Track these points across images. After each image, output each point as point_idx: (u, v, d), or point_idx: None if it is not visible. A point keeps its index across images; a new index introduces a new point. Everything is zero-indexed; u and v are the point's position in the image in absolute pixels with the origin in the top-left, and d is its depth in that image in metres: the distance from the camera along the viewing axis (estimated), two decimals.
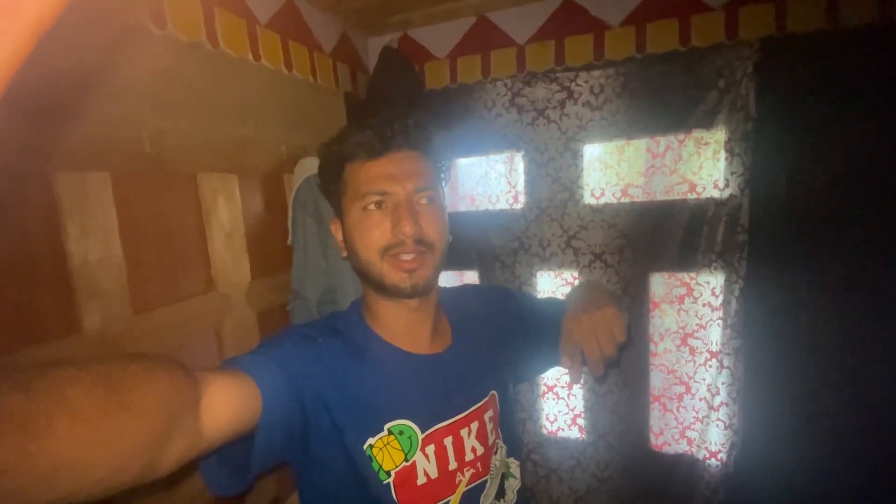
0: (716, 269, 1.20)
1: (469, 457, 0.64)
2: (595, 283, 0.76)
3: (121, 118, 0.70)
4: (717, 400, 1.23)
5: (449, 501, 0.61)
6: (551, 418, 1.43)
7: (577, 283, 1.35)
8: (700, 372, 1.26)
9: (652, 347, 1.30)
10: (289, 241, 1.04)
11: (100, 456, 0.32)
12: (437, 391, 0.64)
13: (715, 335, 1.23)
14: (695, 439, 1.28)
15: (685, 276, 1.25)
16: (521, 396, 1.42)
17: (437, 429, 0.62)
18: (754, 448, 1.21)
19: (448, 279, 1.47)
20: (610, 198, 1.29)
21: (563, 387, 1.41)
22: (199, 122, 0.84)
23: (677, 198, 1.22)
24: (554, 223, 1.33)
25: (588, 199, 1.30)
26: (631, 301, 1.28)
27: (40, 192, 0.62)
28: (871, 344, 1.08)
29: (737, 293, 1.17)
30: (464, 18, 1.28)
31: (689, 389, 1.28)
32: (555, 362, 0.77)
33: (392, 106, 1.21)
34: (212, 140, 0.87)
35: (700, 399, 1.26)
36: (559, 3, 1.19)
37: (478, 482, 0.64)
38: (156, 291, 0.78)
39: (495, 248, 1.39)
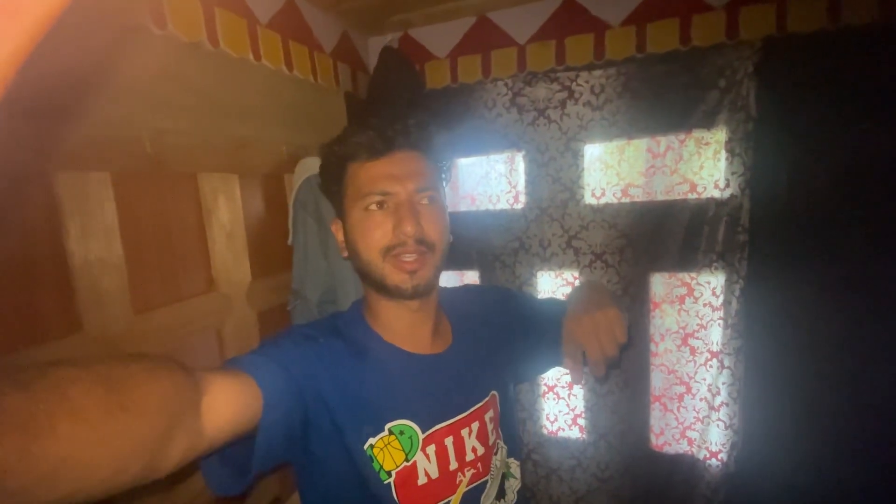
0: (716, 269, 1.20)
1: (470, 457, 0.64)
2: (596, 284, 0.76)
3: (121, 118, 0.70)
4: (718, 400, 1.23)
5: (450, 501, 0.61)
6: (552, 418, 1.43)
7: (577, 283, 1.35)
8: (701, 372, 1.26)
9: (652, 347, 1.30)
10: (289, 241, 1.04)
11: (101, 456, 0.32)
12: (438, 391, 0.64)
13: (715, 335, 1.23)
14: (695, 439, 1.28)
15: (686, 276, 1.25)
16: (521, 396, 1.42)
17: (438, 429, 0.62)
18: (755, 448, 1.21)
19: (448, 279, 1.47)
20: (610, 198, 1.29)
21: (563, 387, 1.41)
22: (200, 122, 0.84)
23: (678, 198, 1.21)
24: (554, 223, 1.33)
25: (589, 199, 1.30)
26: (631, 301, 1.28)
27: (41, 192, 0.62)
28: (871, 344, 1.08)
29: (737, 293, 1.17)
30: (464, 18, 1.28)
31: (689, 389, 1.28)
32: (555, 362, 0.77)
33: (392, 106, 1.21)
34: (212, 140, 0.87)
35: (701, 399, 1.26)
36: (560, 3, 1.19)
37: (478, 482, 0.64)
38: (156, 291, 0.78)
39: (496, 248, 1.39)
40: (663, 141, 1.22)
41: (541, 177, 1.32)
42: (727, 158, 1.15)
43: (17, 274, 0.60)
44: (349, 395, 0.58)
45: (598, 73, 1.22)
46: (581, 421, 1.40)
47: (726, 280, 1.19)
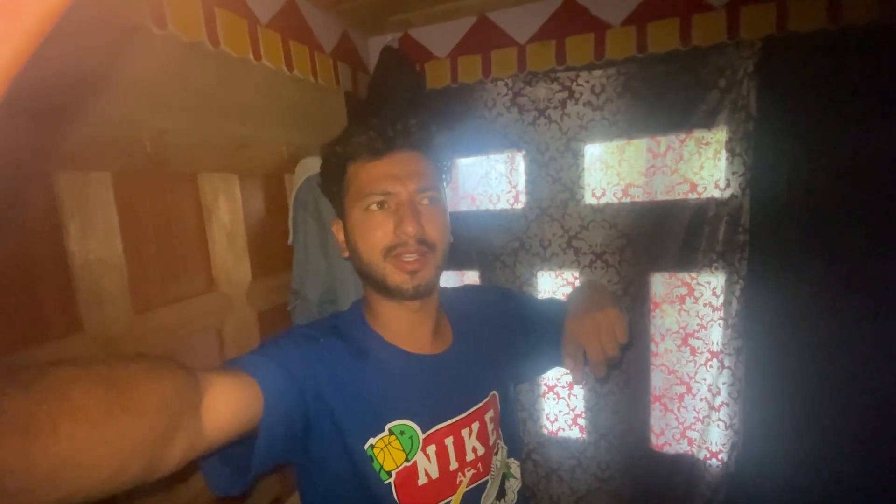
0: (717, 269, 1.20)
1: (470, 457, 0.64)
2: (596, 284, 0.76)
3: (122, 118, 0.70)
4: (718, 400, 1.23)
5: (450, 502, 0.61)
6: (552, 418, 1.43)
7: (577, 283, 1.35)
8: (701, 372, 1.26)
9: (653, 347, 1.30)
10: (289, 241, 1.04)
11: (101, 456, 0.32)
12: (438, 391, 0.64)
13: (716, 335, 1.23)
14: (696, 439, 1.28)
15: (686, 276, 1.25)
16: (521, 396, 1.42)
17: (438, 429, 0.62)
18: (755, 448, 1.21)
19: (449, 279, 1.47)
20: (611, 198, 1.28)
21: (563, 387, 1.41)
22: (200, 122, 0.84)
23: (678, 198, 1.21)
24: (555, 223, 1.33)
25: (589, 199, 1.30)
26: (632, 301, 1.28)
27: (41, 193, 0.62)
28: (871, 344, 1.08)
29: (738, 293, 1.17)
30: (464, 18, 1.28)
31: (689, 389, 1.28)
32: (555, 363, 0.77)
33: (393, 106, 1.21)
34: (213, 140, 0.87)
35: (701, 399, 1.26)
36: (560, 3, 1.19)
37: (479, 482, 0.64)
38: (157, 291, 0.78)
39: (496, 247, 1.39)
40: (664, 141, 1.21)
41: (541, 177, 1.32)
42: (727, 158, 1.15)
43: (17, 274, 0.60)
44: (349, 396, 0.58)
45: (598, 72, 1.22)
46: (581, 421, 1.39)
47: (726, 280, 1.19)
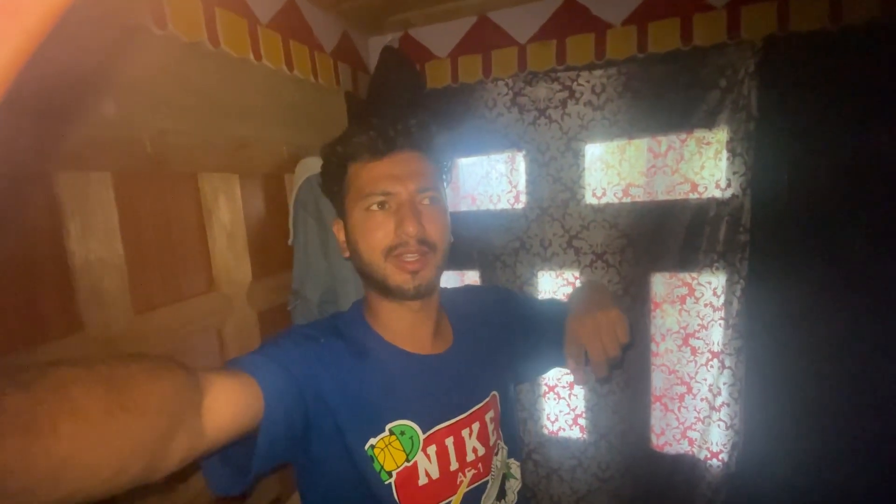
0: (717, 269, 1.19)
1: (470, 457, 0.64)
2: (597, 284, 0.76)
3: (122, 118, 0.70)
4: (719, 400, 1.23)
5: (450, 502, 0.61)
6: (552, 418, 1.43)
7: (578, 283, 1.35)
8: (701, 372, 1.26)
9: (653, 347, 1.30)
10: (290, 241, 1.04)
11: (102, 456, 0.32)
12: (439, 392, 0.64)
13: (716, 335, 1.23)
14: (696, 439, 1.28)
15: (687, 277, 1.25)
16: (522, 396, 1.42)
17: (439, 429, 0.62)
18: (756, 448, 1.21)
19: (449, 279, 1.47)
20: (611, 197, 1.28)
21: (564, 387, 1.41)
22: (200, 122, 0.84)
23: (679, 198, 1.21)
24: (555, 223, 1.33)
25: (589, 199, 1.30)
26: (632, 301, 1.28)
27: (41, 192, 0.62)
28: (872, 344, 1.08)
29: (738, 293, 1.17)
30: (465, 18, 1.28)
31: (690, 390, 1.28)
32: (556, 363, 0.77)
33: (393, 106, 1.21)
34: (213, 140, 0.87)
35: (701, 399, 1.26)
36: (560, 3, 1.19)
37: (479, 483, 0.64)
38: (157, 291, 0.78)
39: (496, 247, 1.39)
40: (664, 141, 1.21)
41: (541, 176, 1.32)
42: (728, 158, 1.15)
43: (17, 274, 0.60)
44: (350, 396, 0.58)
45: (598, 72, 1.22)
46: (582, 421, 1.39)
47: (727, 280, 1.19)
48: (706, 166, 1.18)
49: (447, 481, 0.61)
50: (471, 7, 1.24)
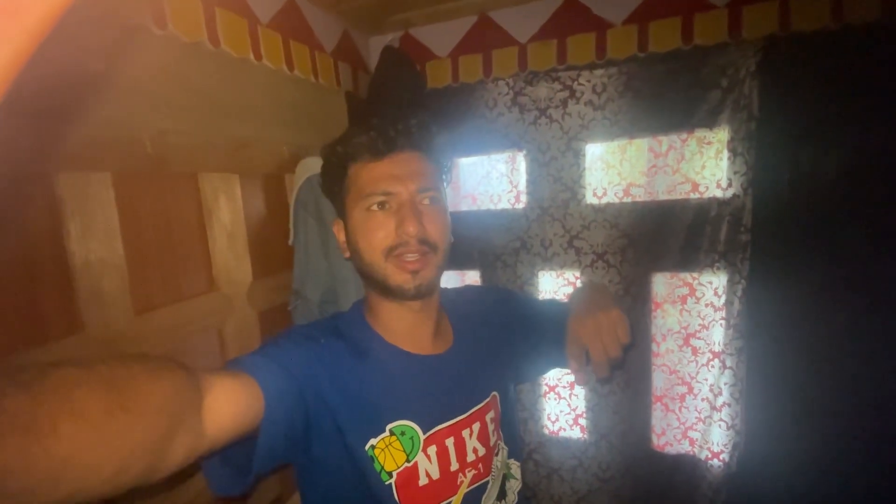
0: (718, 269, 1.19)
1: (471, 458, 0.64)
2: (598, 285, 0.76)
3: (122, 118, 0.70)
4: (720, 400, 1.23)
5: (451, 502, 0.61)
6: (553, 418, 1.43)
7: (579, 283, 1.35)
8: (702, 372, 1.26)
9: (654, 348, 1.30)
10: (290, 241, 1.04)
11: (102, 456, 0.32)
12: (439, 392, 0.64)
13: (717, 335, 1.23)
14: (697, 440, 1.27)
15: (688, 276, 1.24)
16: (522, 396, 1.42)
17: (439, 430, 0.62)
18: (757, 448, 1.20)
19: (450, 279, 1.47)
20: (612, 197, 1.28)
21: (564, 387, 1.41)
22: (201, 122, 0.84)
23: (680, 197, 1.21)
24: (556, 223, 1.33)
25: (590, 199, 1.30)
26: (633, 301, 1.28)
27: (42, 193, 0.62)
28: (873, 344, 1.08)
29: (739, 293, 1.17)
30: (465, 17, 1.28)
31: (691, 390, 1.28)
32: (556, 363, 0.77)
33: (394, 105, 1.21)
34: (213, 140, 0.87)
35: (702, 399, 1.26)
36: (561, 2, 1.19)
37: (479, 483, 0.64)
38: (157, 291, 0.78)
39: (497, 247, 1.39)
40: (665, 140, 1.21)
41: (542, 176, 1.32)
42: (729, 158, 1.14)
43: (17, 274, 0.60)
44: (350, 396, 0.58)
45: (599, 72, 1.22)
46: (582, 421, 1.39)
47: (728, 280, 1.19)
48: (707, 166, 1.18)
49: (447, 482, 0.61)
50: (471, 6, 1.24)
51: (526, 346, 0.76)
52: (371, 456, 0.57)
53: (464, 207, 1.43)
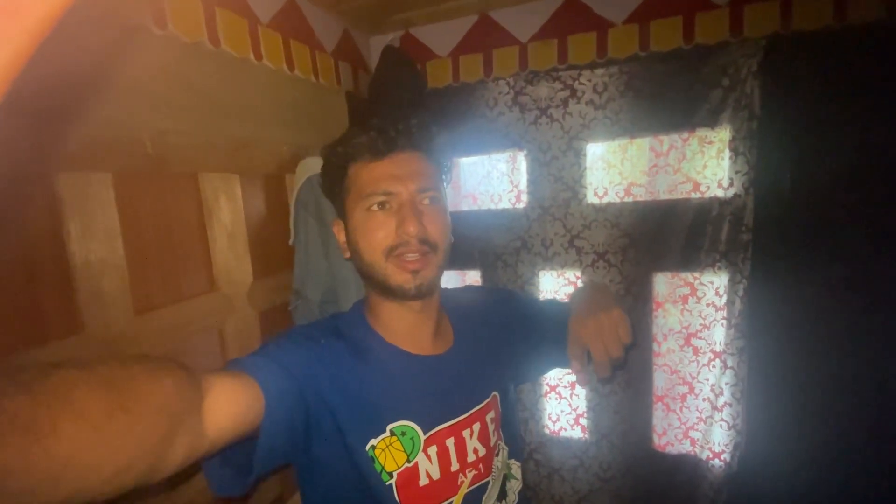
0: (719, 268, 1.19)
1: (471, 458, 0.63)
2: (599, 285, 0.76)
3: (122, 119, 0.70)
4: (721, 400, 1.23)
5: (451, 502, 0.61)
6: (554, 418, 1.43)
7: (579, 282, 1.35)
8: (703, 372, 1.26)
9: (655, 347, 1.30)
10: (290, 242, 1.04)
11: (103, 457, 0.32)
12: (439, 392, 0.64)
13: (718, 335, 1.23)
14: (698, 440, 1.27)
15: (689, 276, 1.24)
16: (523, 396, 1.42)
17: (440, 430, 0.62)
18: (758, 448, 1.20)
19: (450, 278, 1.47)
20: (613, 197, 1.28)
21: (565, 386, 1.41)
22: (201, 122, 0.84)
23: (681, 197, 1.21)
24: (556, 222, 1.32)
25: (591, 199, 1.30)
26: (634, 301, 1.28)
27: (42, 193, 0.62)
28: (874, 344, 1.07)
29: (741, 293, 1.17)
30: (466, 17, 1.28)
31: (692, 389, 1.28)
32: (556, 363, 0.77)
33: (394, 105, 1.21)
34: (213, 140, 0.87)
35: (703, 399, 1.26)
36: (562, 1, 1.19)
37: (480, 483, 0.64)
38: (157, 291, 0.77)
39: (497, 247, 1.39)
40: (666, 140, 1.21)
41: (543, 176, 1.32)
42: (731, 157, 1.14)
43: (18, 274, 0.60)
44: (350, 396, 0.58)
45: (600, 71, 1.22)
46: (583, 421, 1.39)
47: (729, 280, 1.19)
48: (708, 165, 1.18)
49: (448, 482, 0.61)
50: (472, 6, 1.24)
51: (526, 347, 0.76)
52: (371, 456, 0.57)
53: (464, 207, 1.43)
